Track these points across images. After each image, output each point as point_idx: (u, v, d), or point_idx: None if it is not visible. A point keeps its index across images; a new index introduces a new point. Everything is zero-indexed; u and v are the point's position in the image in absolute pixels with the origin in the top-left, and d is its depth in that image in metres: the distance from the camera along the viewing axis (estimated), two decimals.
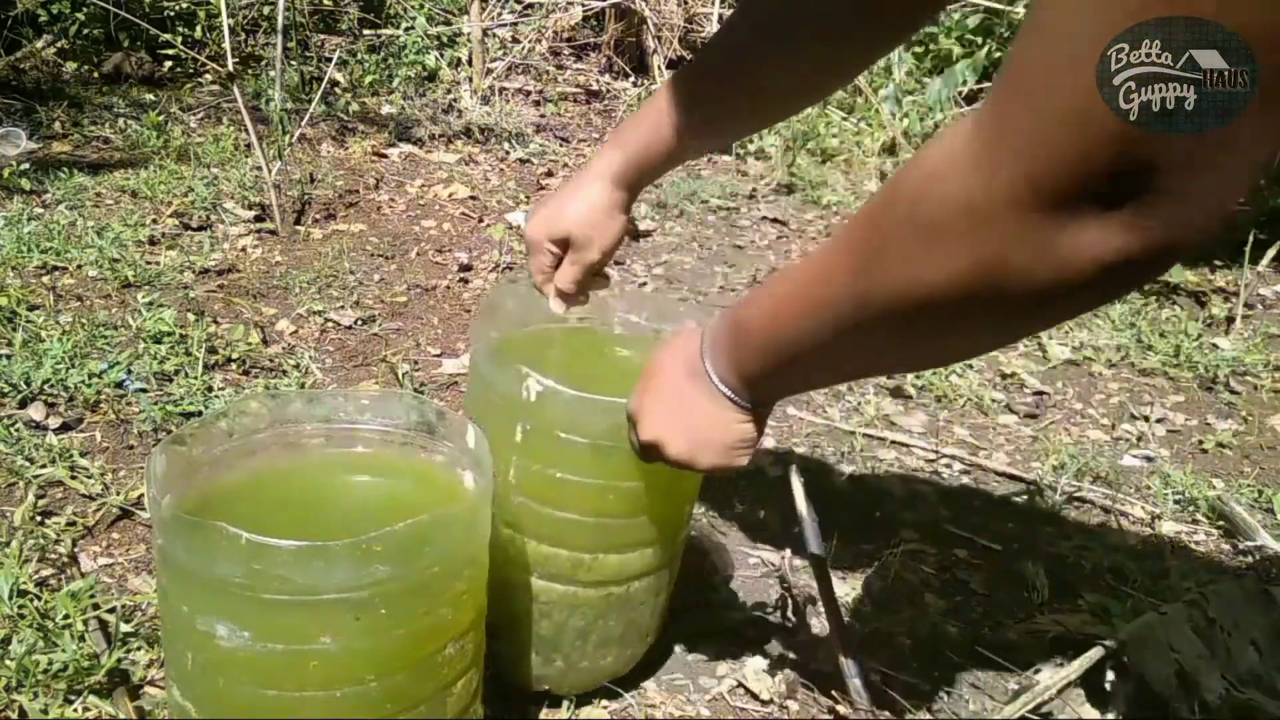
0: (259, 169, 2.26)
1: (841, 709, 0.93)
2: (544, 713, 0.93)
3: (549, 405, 0.78)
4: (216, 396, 1.41)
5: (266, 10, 3.33)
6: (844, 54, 0.80)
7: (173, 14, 3.24)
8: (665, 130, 0.84)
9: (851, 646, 0.93)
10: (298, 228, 2.18)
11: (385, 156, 2.81)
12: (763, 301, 0.63)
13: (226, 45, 2.25)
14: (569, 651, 0.89)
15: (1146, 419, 1.72)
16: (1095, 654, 0.92)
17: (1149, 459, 1.58)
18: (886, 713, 0.92)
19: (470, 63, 3.46)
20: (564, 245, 0.90)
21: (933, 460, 1.51)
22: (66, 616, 0.93)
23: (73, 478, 1.19)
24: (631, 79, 4.01)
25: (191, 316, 1.65)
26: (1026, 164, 0.40)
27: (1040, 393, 1.78)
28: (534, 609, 0.87)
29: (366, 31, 3.56)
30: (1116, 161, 0.38)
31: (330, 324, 1.74)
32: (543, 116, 3.50)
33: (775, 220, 2.69)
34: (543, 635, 0.88)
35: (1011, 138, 0.41)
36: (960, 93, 3.51)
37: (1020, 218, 0.41)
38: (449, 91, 3.40)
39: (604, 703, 0.95)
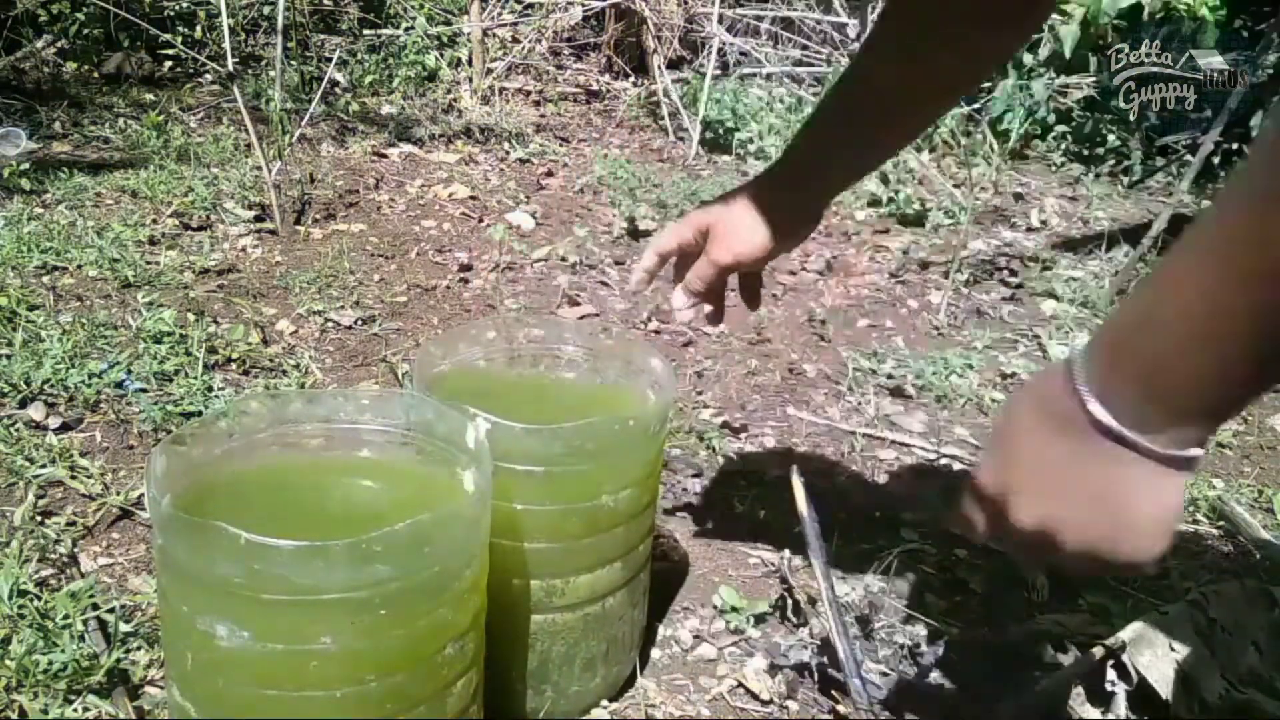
0: (259, 169, 2.26)
1: (842, 709, 0.93)
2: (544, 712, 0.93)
3: (501, 441, 0.75)
4: (216, 396, 1.41)
5: (266, 10, 3.33)
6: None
7: (173, 14, 3.24)
8: (829, 144, 0.82)
9: (851, 646, 0.93)
10: (298, 228, 2.18)
11: (385, 156, 2.81)
12: (1191, 278, 0.44)
13: (226, 45, 2.25)
14: (557, 679, 0.89)
15: None
16: (1095, 654, 0.92)
17: None
18: (887, 713, 0.92)
19: (470, 63, 3.46)
20: (704, 239, 0.87)
21: (933, 460, 1.51)
22: (66, 616, 0.93)
23: (73, 478, 1.19)
24: (631, 79, 4.01)
25: (191, 316, 1.65)
26: None
27: None
28: (516, 641, 0.87)
29: (366, 31, 3.56)
30: None
31: (330, 324, 1.74)
32: (543, 116, 3.50)
33: None
34: (529, 667, 0.88)
35: None
36: None
37: None
38: (449, 91, 3.40)
39: (604, 702, 0.95)
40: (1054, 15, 3.34)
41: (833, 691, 0.95)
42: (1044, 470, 0.50)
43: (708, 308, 0.95)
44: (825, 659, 0.98)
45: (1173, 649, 0.91)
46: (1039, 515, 0.50)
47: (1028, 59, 3.39)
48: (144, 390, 1.40)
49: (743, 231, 0.84)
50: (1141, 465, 0.46)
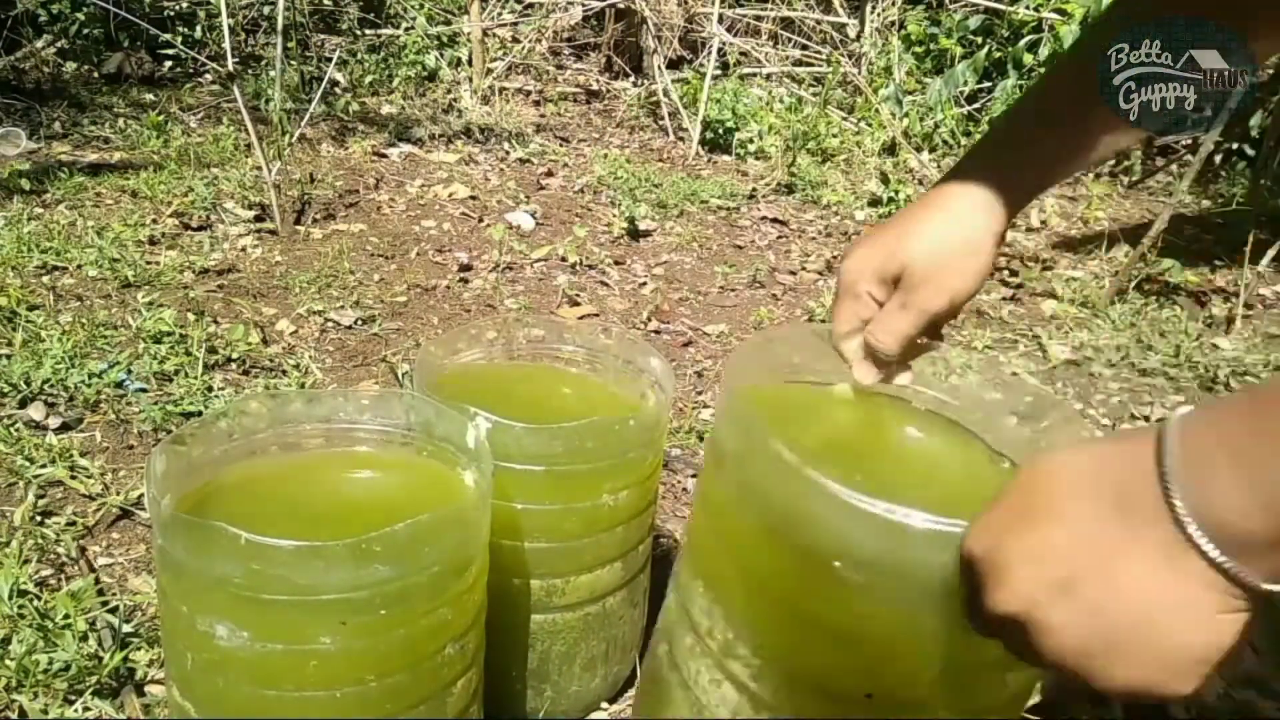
0: (259, 169, 2.26)
1: None
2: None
3: (501, 440, 0.75)
4: (216, 396, 1.41)
5: (266, 10, 3.33)
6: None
7: (173, 14, 3.24)
8: (1051, 131, 0.61)
9: None
10: (298, 228, 2.18)
11: (385, 156, 2.81)
12: None
13: (226, 45, 2.25)
14: (556, 678, 0.89)
15: (1147, 419, 1.72)
16: None
17: None
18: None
19: (470, 63, 3.46)
20: (896, 284, 0.64)
21: None
22: (66, 616, 0.93)
23: (73, 478, 1.19)
24: (631, 79, 4.01)
25: (191, 316, 1.65)
26: None
27: None
28: (516, 642, 0.87)
29: (366, 31, 3.56)
30: None
31: (330, 324, 1.74)
32: (543, 116, 3.50)
33: (775, 220, 2.69)
34: (529, 667, 0.88)
35: None
36: (961, 93, 3.51)
37: None
38: (449, 91, 3.40)
39: (604, 703, 0.95)
40: (1054, 15, 3.34)
41: None
42: (1062, 554, 0.39)
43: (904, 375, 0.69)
44: None
45: None
46: (1029, 603, 0.40)
47: (1028, 59, 3.39)
48: (144, 390, 1.40)
49: (954, 262, 0.62)
50: (1204, 582, 0.36)
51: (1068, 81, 0.61)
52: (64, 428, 1.30)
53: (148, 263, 1.86)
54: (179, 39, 2.89)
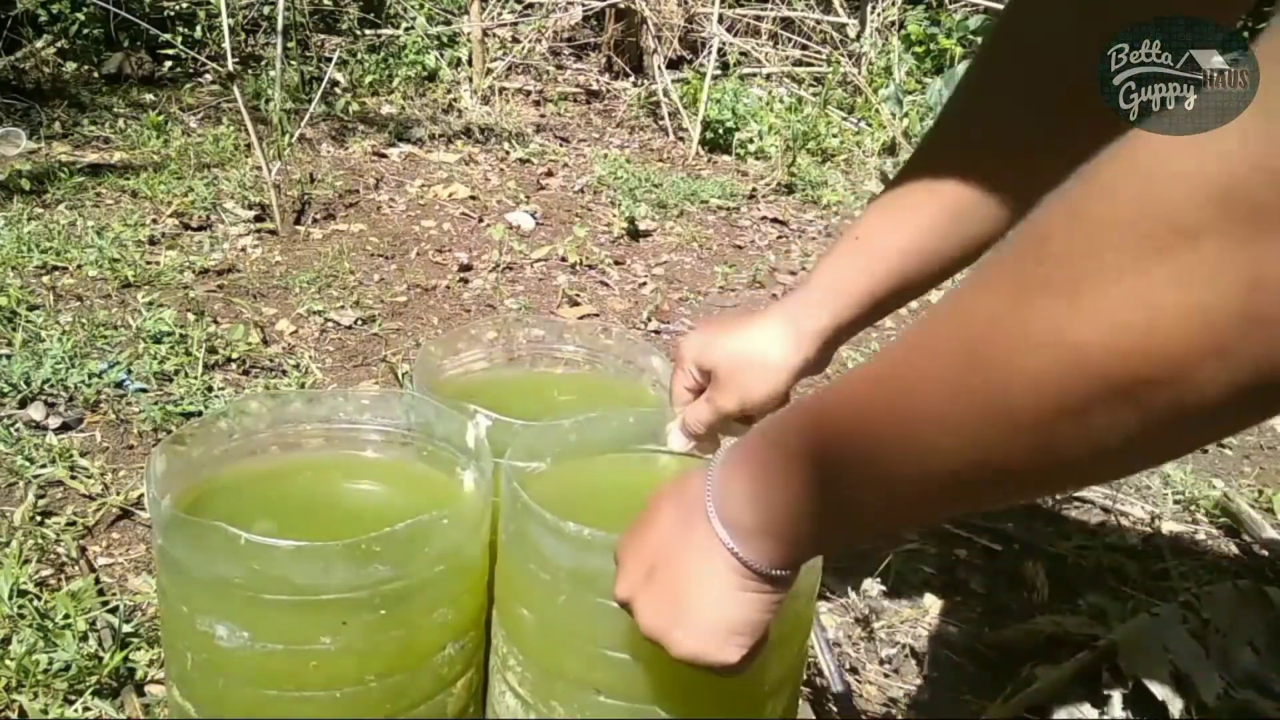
0: (259, 169, 2.26)
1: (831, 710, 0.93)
2: None
3: (501, 438, 0.74)
4: (216, 396, 1.41)
5: (266, 10, 3.33)
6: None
7: (173, 14, 3.24)
8: (876, 268, 0.67)
9: (837, 663, 0.93)
10: (298, 228, 2.18)
11: (385, 156, 2.81)
12: (823, 403, 0.43)
13: (226, 45, 2.25)
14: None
15: None
16: (1091, 655, 0.92)
17: None
18: (894, 714, 0.92)
19: (470, 63, 3.46)
20: (708, 378, 0.73)
21: None
22: (66, 616, 0.93)
23: (73, 478, 1.19)
24: (631, 79, 4.01)
25: (191, 316, 1.65)
26: None
27: None
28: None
29: (366, 31, 3.56)
30: None
31: (330, 324, 1.74)
32: (543, 116, 3.50)
33: (775, 220, 2.69)
34: None
35: None
36: None
37: None
38: (449, 91, 3.40)
39: None
40: None
41: (824, 703, 0.95)
42: (645, 549, 0.51)
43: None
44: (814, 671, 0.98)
45: (1166, 650, 0.91)
46: (627, 590, 0.51)
47: None
48: (144, 390, 1.40)
49: (748, 375, 0.70)
50: (721, 568, 0.47)
51: (863, 230, 0.69)
52: (64, 428, 1.30)
53: (148, 263, 1.86)
54: (179, 39, 2.89)
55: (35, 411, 1.31)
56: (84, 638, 0.92)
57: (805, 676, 0.99)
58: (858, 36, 3.92)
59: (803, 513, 0.43)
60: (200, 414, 1.34)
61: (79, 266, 1.79)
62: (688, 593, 0.48)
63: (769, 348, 0.70)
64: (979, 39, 3.65)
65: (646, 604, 0.50)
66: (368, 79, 3.37)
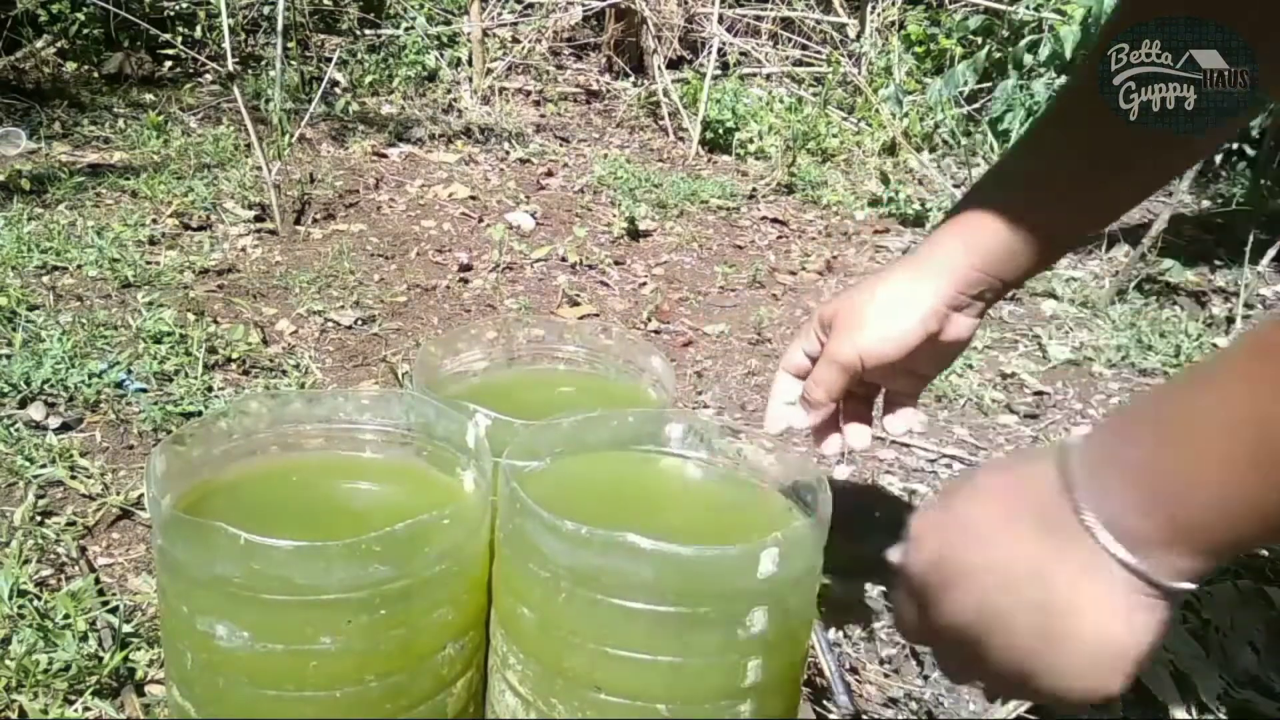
0: (259, 169, 2.26)
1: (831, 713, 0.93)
2: None
3: (501, 437, 0.74)
4: (216, 396, 1.41)
5: (266, 10, 3.33)
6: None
7: (173, 14, 3.24)
8: (1013, 197, 0.58)
9: (838, 663, 0.93)
10: (298, 228, 2.18)
11: (385, 156, 2.81)
12: (1239, 382, 0.36)
13: (226, 45, 2.25)
14: None
15: None
16: None
17: None
18: (890, 714, 0.92)
19: (470, 63, 3.46)
20: (827, 332, 0.65)
21: (933, 460, 1.51)
22: (66, 616, 0.93)
23: (73, 478, 1.19)
24: (631, 79, 4.01)
25: (191, 316, 1.65)
26: None
27: (1040, 393, 1.78)
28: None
29: (366, 31, 3.56)
30: None
31: (330, 324, 1.74)
32: (543, 116, 3.50)
33: (775, 220, 2.69)
34: None
35: None
36: (961, 93, 3.51)
37: None
38: (449, 91, 3.40)
39: None
40: (1054, 15, 3.34)
41: (824, 703, 0.95)
42: (986, 567, 0.43)
43: (835, 441, 0.70)
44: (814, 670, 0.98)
45: (1165, 649, 0.91)
46: (966, 614, 0.43)
47: (1028, 59, 3.39)
48: (144, 390, 1.40)
49: (871, 318, 0.61)
50: (1119, 588, 0.39)
51: (1076, 98, 0.56)
52: (64, 428, 1.30)
53: (148, 263, 1.86)
54: (179, 39, 2.89)
55: (35, 411, 1.31)
56: (84, 638, 0.92)
57: (805, 676, 0.99)
58: (858, 36, 3.92)
59: (1231, 511, 0.35)
60: (200, 414, 1.34)
61: (79, 266, 1.79)
62: (1072, 619, 0.40)
63: (893, 286, 0.60)
64: (979, 39, 3.65)
65: (1010, 631, 0.42)
66: (368, 79, 3.38)
